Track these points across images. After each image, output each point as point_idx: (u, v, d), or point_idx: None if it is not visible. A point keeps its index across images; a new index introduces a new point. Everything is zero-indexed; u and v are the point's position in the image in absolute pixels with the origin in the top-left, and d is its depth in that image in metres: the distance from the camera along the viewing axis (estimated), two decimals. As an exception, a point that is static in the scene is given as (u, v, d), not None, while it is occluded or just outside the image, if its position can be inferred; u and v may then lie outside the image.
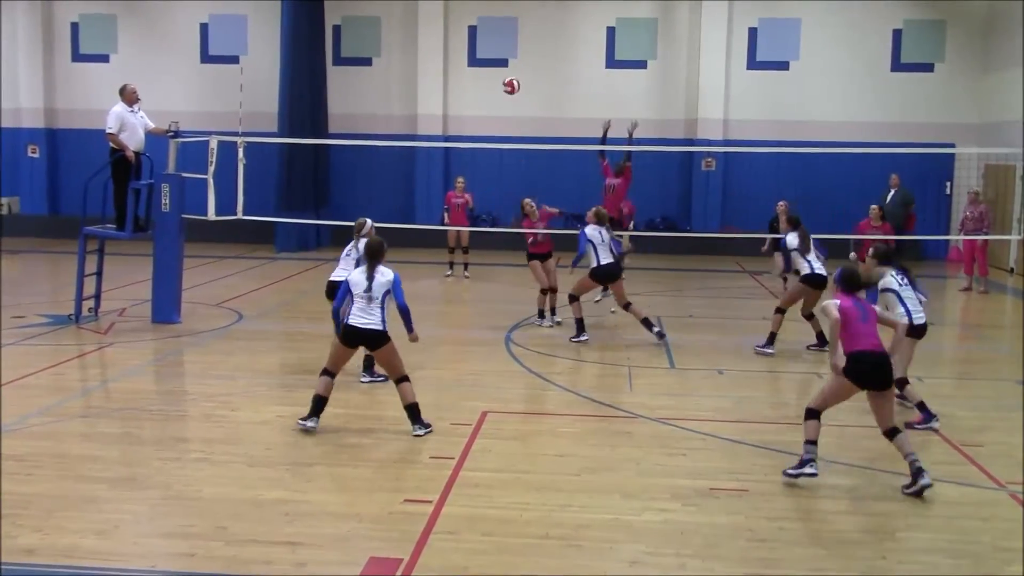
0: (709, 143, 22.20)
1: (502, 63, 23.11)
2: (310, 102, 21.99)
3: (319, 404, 8.22)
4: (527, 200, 13.92)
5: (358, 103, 23.45)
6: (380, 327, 8.20)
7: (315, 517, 6.44)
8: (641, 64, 23.10)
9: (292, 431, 8.24)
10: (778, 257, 16.09)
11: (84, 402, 9.44)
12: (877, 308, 7.41)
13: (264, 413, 8.89)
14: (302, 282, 17.32)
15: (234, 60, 23.28)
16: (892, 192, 19.90)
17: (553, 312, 13.31)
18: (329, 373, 8.32)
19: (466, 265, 18.12)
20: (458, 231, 18.00)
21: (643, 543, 6.15)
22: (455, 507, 6.65)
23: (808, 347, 11.89)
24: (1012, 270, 19.71)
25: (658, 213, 22.70)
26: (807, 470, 7.03)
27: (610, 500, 6.86)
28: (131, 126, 12.79)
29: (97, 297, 13.33)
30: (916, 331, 8.97)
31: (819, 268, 11.81)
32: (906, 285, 8.98)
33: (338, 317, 8.48)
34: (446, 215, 18.31)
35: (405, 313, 8.24)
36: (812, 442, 7.09)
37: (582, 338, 12.25)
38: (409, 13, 23.30)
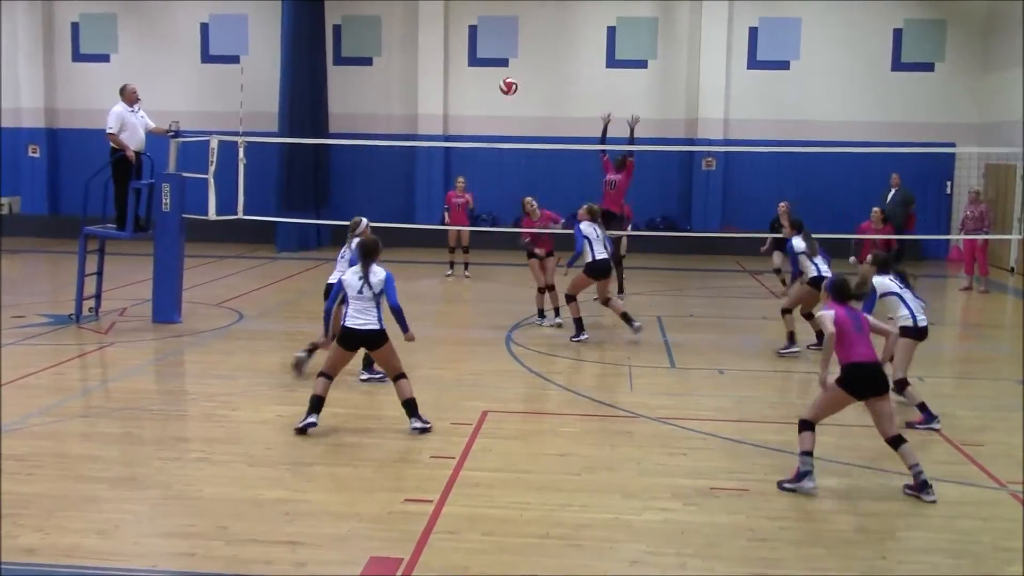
0: (709, 143, 22.20)
1: (502, 63, 23.11)
2: (310, 102, 21.99)
3: (317, 403, 8.20)
4: (528, 199, 13.93)
5: (358, 103, 23.45)
6: (378, 327, 8.20)
7: (315, 517, 6.44)
8: (641, 64, 23.10)
9: (292, 431, 8.23)
10: (777, 256, 16.15)
11: (85, 402, 9.44)
12: (870, 318, 7.38)
13: (264, 413, 8.89)
14: (303, 282, 17.32)
15: (234, 60, 23.29)
16: (892, 192, 19.90)
17: (556, 313, 13.28)
18: (327, 375, 8.30)
19: (466, 265, 18.12)
20: (458, 231, 18.00)
21: (644, 543, 6.15)
22: (455, 507, 6.65)
23: (809, 346, 11.89)
24: (1013, 270, 19.71)
25: (658, 213, 22.70)
26: (805, 484, 6.99)
27: (611, 500, 6.86)
28: (131, 126, 12.79)
29: (98, 297, 13.33)
30: (918, 333, 9.00)
31: (825, 271, 11.89)
32: (905, 288, 9.04)
33: (328, 319, 8.52)
34: (446, 215, 18.32)
35: (398, 313, 8.20)
36: (808, 453, 7.04)
37: (582, 337, 12.25)
38: (409, 13, 23.30)
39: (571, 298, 12.41)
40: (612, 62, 23.15)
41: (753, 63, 22.84)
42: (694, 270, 19.80)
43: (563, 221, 13.82)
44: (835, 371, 7.13)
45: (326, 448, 7.91)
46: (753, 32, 22.78)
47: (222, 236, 20.28)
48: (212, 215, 13.40)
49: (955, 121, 22.14)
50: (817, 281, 11.79)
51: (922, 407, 8.79)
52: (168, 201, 12.83)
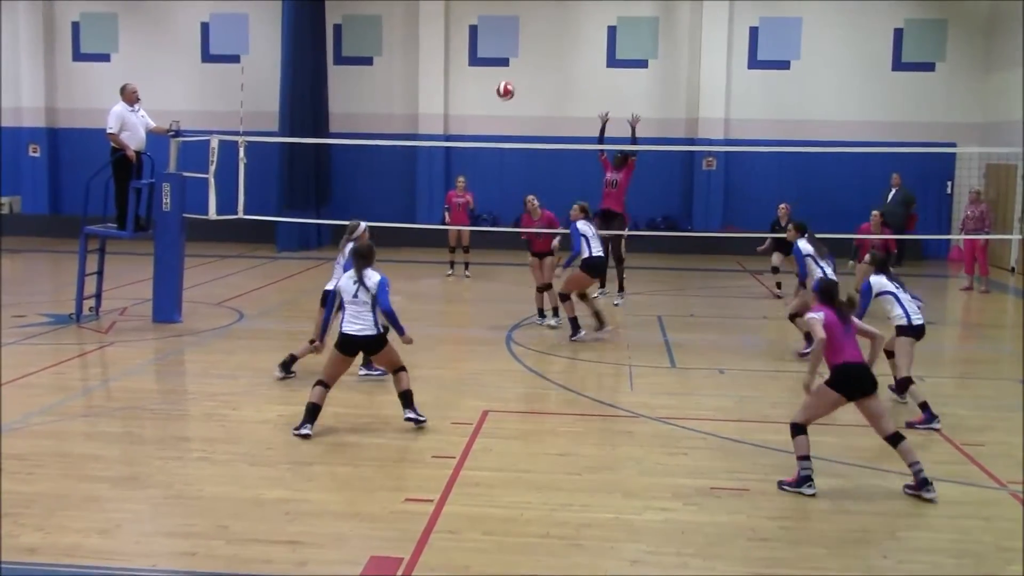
0: (710, 142, 22.20)
1: (503, 62, 23.12)
2: (311, 101, 21.99)
3: (313, 412, 8.18)
4: (530, 197, 13.94)
5: (359, 102, 23.45)
6: (375, 331, 8.21)
7: (316, 516, 6.45)
8: (642, 63, 23.09)
9: (292, 431, 8.23)
10: (777, 257, 16.14)
11: (85, 401, 9.45)
12: (856, 320, 7.37)
13: (265, 412, 8.89)
14: (303, 281, 17.32)
15: (235, 59, 23.28)
16: (893, 191, 19.91)
17: (555, 313, 13.26)
18: (324, 384, 8.27)
19: (467, 264, 18.13)
20: (459, 230, 18.00)
21: (644, 542, 6.15)
22: (456, 506, 6.65)
23: (800, 354, 11.88)
24: (1013, 269, 19.69)
25: (659, 212, 22.70)
26: (806, 490, 6.97)
27: (611, 499, 6.86)
28: (132, 125, 12.79)
29: (98, 296, 13.33)
30: (915, 331, 9.03)
31: (831, 275, 11.94)
32: (901, 287, 9.09)
33: (326, 327, 8.58)
34: (447, 214, 18.31)
35: (391, 316, 8.18)
36: (805, 457, 7.03)
37: (580, 334, 12.22)
38: (410, 12, 23.29)
39: (566, 297, 12.37)
40: (613, 62, 23.15)
41: (754, 63, 22.83)
42: (695, 270, 19.79)
43: (559, 238, 13.61)
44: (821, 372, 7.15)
45: (326, 448, 7.91)
46: (754, 32, 22.77)
47: (222, 235, 20.28)
48: (212, 215, 13.40)
49: (956, 121, 22.13)
50: None
51: (924, 407, 8.79)
52: (168, 200, 12.83)
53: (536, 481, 7.18)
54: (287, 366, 10.06)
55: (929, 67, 22.52)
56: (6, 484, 6.84)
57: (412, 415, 8.36)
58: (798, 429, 7.08)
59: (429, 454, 7.77)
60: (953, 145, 21.41)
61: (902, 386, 9.07)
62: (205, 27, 23.94)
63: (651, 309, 14.91)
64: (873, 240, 15.06)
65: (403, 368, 8.43)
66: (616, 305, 14.35)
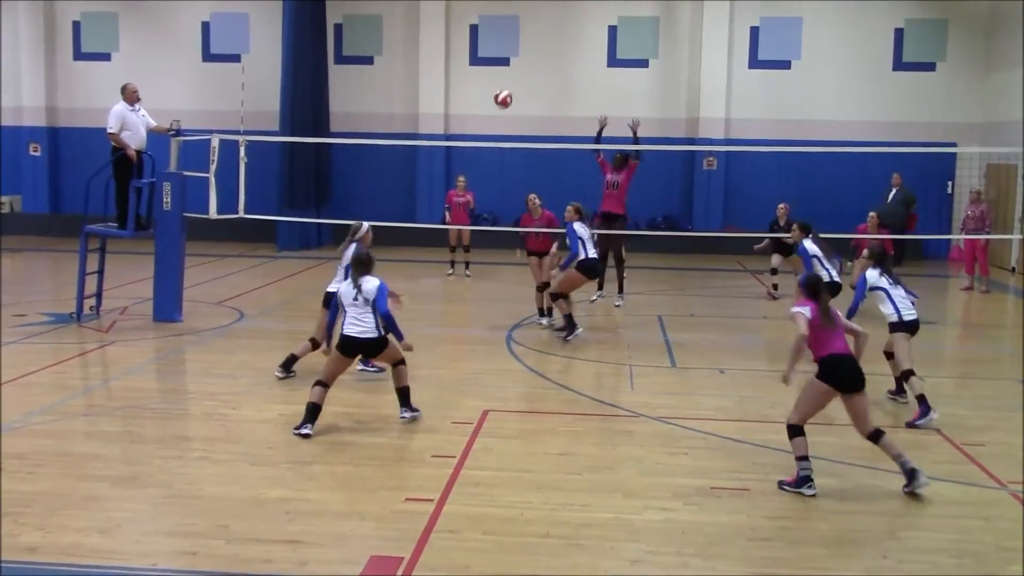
0: (711, 142, 22.20)
1: (504, 62, 23.13)
2: (312, 101, 21.99)
3: (313, 412, 8.21)
4: (532, 196, 13.93)
5: (360, 102, 23.45)
6: (375, 334, 8.29)
7: (316, 516, 6.45)
8: (643, 63, 23.09)
9: (293, 431, 8.23)
10: (776, 258, 16.14)
11: (86, 400, 9.45)
12: (842, 316, 7.38)
13: (266, 412, 8.89)
14: (304, 280, 17.32)
15: (236, 59, 23.29)
16: (894, 191, 19.91)
17: (550, 313, 13.22)
18: (323, 384, 8.32)
19: (467, 264, 18.13)
20: (459, 230, 18.01)
21: (644, 542, 6.15)
22: (456, 506, 6.65)
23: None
24: (1014, 269, 19.70)
25: (659, 212, 22.69)
26: (806, 491, 6.96)
27: (611, 499, 6.86)
28: (132, 125, 12.80)
29: (99, 295, 13.34)
30: (907, 327, 9.13)
31: (835, 276, 12.03)
32: (895, 284, 9.17)
33: (331, 331, 8.62)
34: (447, 214, 18.31)
35: (389, 320, 8.26)
36: (804, 457, 7.03)
37: (576, 332, 12.14)
38: (411, 12, 23.29)
39: (558, 296, 12.31)
40: (613, 61, 23.14)
41: (754, 62, 22.82)
42: (695, 269, 19.79)
43: (557, 243, 13.56)
44: (799, 368, 7.15)
45: (327, 447, 7.91)
46: (754, 31, 22.77)
47: (223, 235, 20.27)
48: (213, 214, 13.40)
49: (956, 121, 22.13)
50: (829, 286, 11.89)
51: (921, 399, 8.84)
52: (169, 200, 12.83)
53: (536, 481, 7.18)
54: (287, 366, 10.07)
55: (930, 67, 22.52)
56: (6, 483, 6.84)
57: (408, 415, 8.53)
58: (795, 430, 7.08)
59: (429, 454, 7.77)
60: (953, 145, 21.41)
61: (905, 378, 9.12)
62: (206, 26, 23.94)
63: (651, 309, 14.91)
64: (871, 241, 15.08)
65: (403, 362, 8.54)
66: (617, 306, 14.33)
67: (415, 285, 16.53)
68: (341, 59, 23.60)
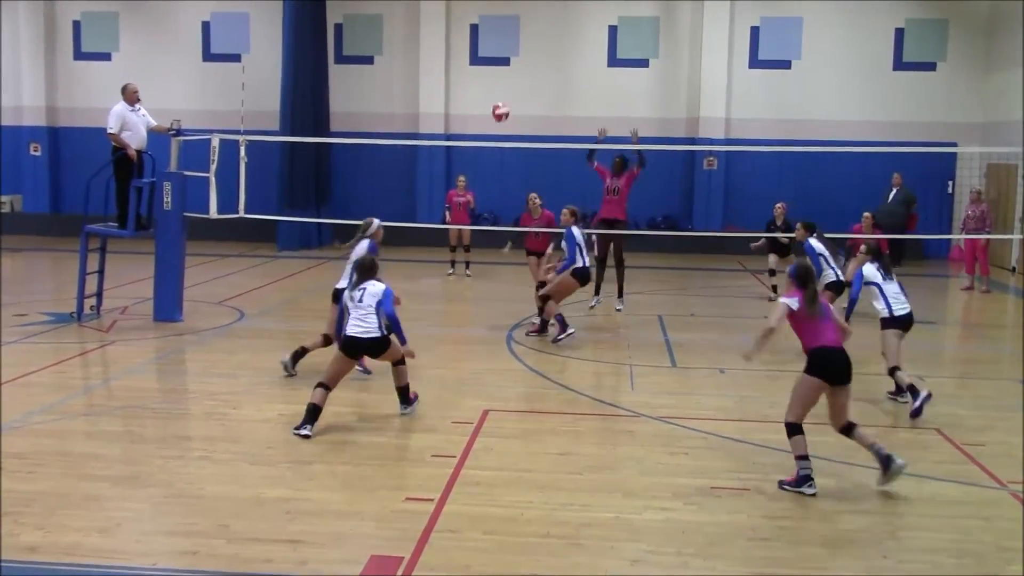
0: (711, 142, 22.20)
1: (504, 62, 23.14)
2: (312, 100, 21.99)
3: (314, 413, 8.22)
4: (533, 195, 13.90)
5: (360, 101, 23.45)
6: (378, 333, 8.39)
7: (316, 515, 6.45)
8: (643, 63, 23.09)
9: (293, 430, 8.24)
10: (773, 258, 16.14)
11: (86, 400, 9.45)
12: (832, 308, 7.43)
13: (266, 411, 8.90)
14: (304, 280, 17.32)
15: (236, 58, 23.30)
16: (894, 191, 19.91)
17: (540, 313, 13.07)
18: (325, 386, 8.34)
19: (468, 264, 18.14)
20: (460, 230, 18.01)
21: (644, 542, 6.15)
22: (456, 505, 6.66)
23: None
24: (1014, 269, 19.71)
25: (660, 212, 22.69)
26: (806, 490, 6.97)
27: (612, 499, 6.86)
28: (133, 124, 12.80)
29: (99, 295, 13.34)
30: (897, 323, 9.25)
31: (841, 275, 12.10)
32: (890, 279, 9.30)
33: (340, 329, 8.68)
34: (448, 214, 18.32)
35: (394, 322, 8.40)
36: (804, 457, 7.03)
37: (568, 332, 11.96)
38: (411, 11, 23.30)
39: (548, 298, 12.19)
40: (613, 61, 23.15)
41: (755, 62, 22.83)
42: (696, 269, 19.80)
43: (552, 245, 13.44)
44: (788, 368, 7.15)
45: (327, 447, 7.91)
46: (755, 31, 22.77)
47: (223, 234, 20.28)
48: (213, 213, 13.41)
49: (957, 121, 22.13)
50: (835, 285, 11.97)
51: (911, 388, 8.94)
52: (169, 199, 12.83)
53: (537, 480, 7.18)
54: (296, 358, 10.12)
55: (930, 67, 22.52)
56: (6, 483, 6.85)
57: (406, 410, 8.72)
58: (793, 428, 7.08)
59: (429, 453, 7.78)
60: (954, 145, 21.41)
61: (891, 374, 9.24)
62: (206, 26, 23.94)
63: (652, 309, 14.91)
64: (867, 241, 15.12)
65: (403, 361, 8.67)
66: (618, 311, 14.28)
67: (415, 285, 16.53)
68: (341, 59, 23.60)
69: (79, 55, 24.37)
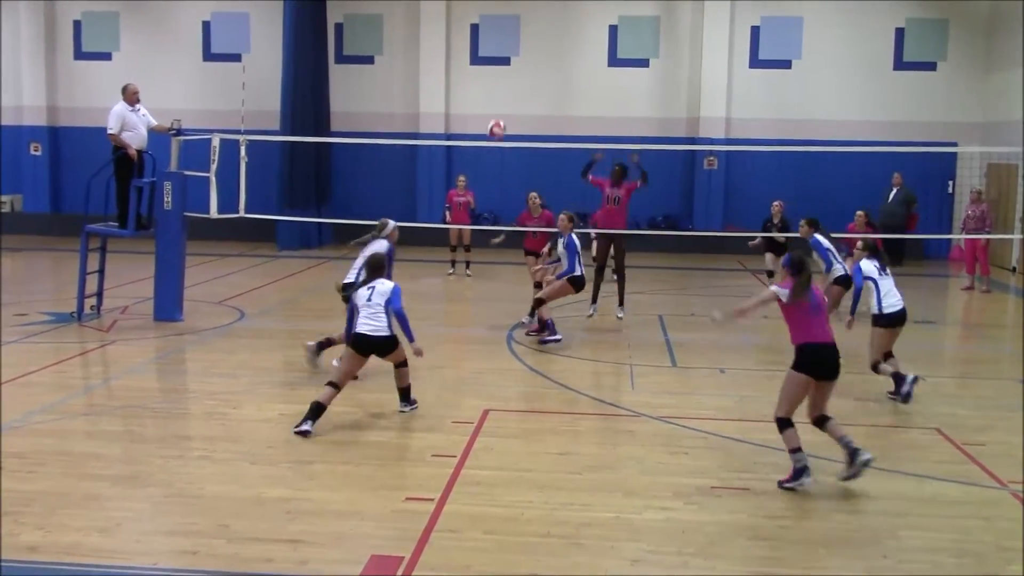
0: (711, 142, 22.20)
1: (504, 61, 23.14)
2: (312, 100, 21.98)
3: (317, 411, 8.23)
4: (533, 194, 13.87)
5: (360, 101, 23.45)
6: (388, 332, 8.50)
7: (317, 515, 6.45)
8: (643, 63, 23.09)
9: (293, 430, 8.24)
10: (770, 257, 16.13)
11: (86, 400, 9.45)
12: (826, 300, 7.49)
13: (266, 411, 8.90)
14: (304, 280, 17.32)
15: (236, 58, 23.30)
16: (894, 191, 19.91)
17: (532, 313, 13.02)
18: (335, 386, 8.40)
19: (468, 263, 18.14)
20: (460, 229, 18.01)
21: (645, 541, 6.15)
22: (457, 505, 6.66)
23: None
24: (1014, 269, 19.71)
25: (660, 212, 22.68)
26: (804, 481, 6.98)
27: (612, 498, 6.86)
28: (133, 124, 12.80)
29: (99, 295, 13.34)
30: (888, 320, 9.35)
31: (847, 269, 12.18)
32: (886, 276, 9.41)
33: (351, 324, 8.71)
34: (448, 213, 18.32)
35: (402, 319, 8.51)
36: (797, 449, 7.04)
37: (556, 337, 11.86)
38: (411, 11, 23.29)
39: (541, 302, 12.12)
40: (614, 61, 23.14)
41: (755, 62, 22.83)
42: (696, 269, 19.80)
43: (549, 245, 13.36)
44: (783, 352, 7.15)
45: (327, 446, 7.91)
46: (755, 31, 22.77)
47: (223, 234, 20.27)
48: (214, 213, 13.41)
49: (957, 120, 22.13)
50: (842, 279, 12.09)
51: (895, 376, 9.11)
52: (170, 199, 12.83)
53: (537, 480, 7.18)
54: (320, 347, 10.27)
55: (930, 67, 22.52)
56: (7, 482, 6.85)
57: (406, 408, 8.84)
58: (783, 423, 7.09)
59: (430, 453, 7.78)
60: (954, 145, 21.41)
61: (873, 368, 9.38)
62: (206, 26, 23.94)
63: (652, 308, 14.91)
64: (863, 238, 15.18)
65: (406, 363, 8.77)
66: (619, 318, 14.20)
67: (416, 285, 16.53)
68: (342, 59, 23.60)
69: (79, 55, 24.37)
